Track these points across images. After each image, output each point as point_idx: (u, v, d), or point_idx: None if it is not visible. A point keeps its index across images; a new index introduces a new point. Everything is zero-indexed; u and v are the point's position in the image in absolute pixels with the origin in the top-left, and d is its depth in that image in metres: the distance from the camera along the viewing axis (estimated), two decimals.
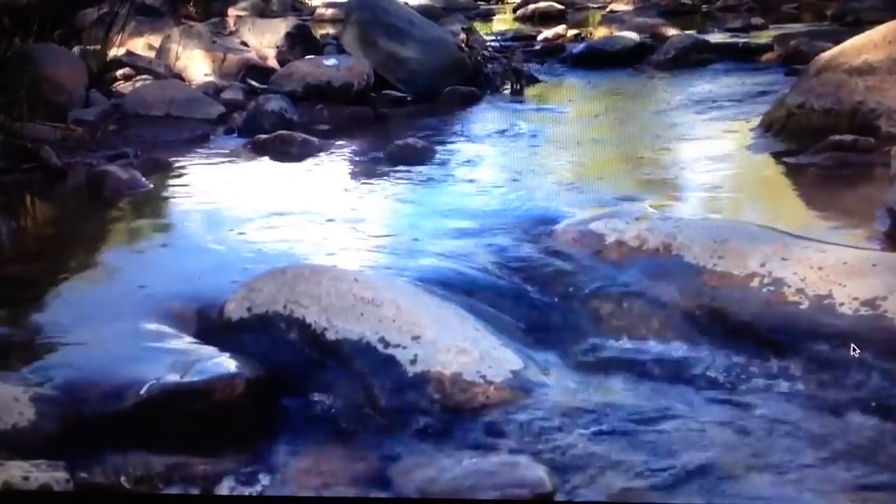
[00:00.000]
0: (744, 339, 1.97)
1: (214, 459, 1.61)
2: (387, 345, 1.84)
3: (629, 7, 9.09)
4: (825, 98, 3.65)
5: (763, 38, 6.58)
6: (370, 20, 5.30)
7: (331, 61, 5.02)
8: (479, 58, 5.58)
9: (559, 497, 1.50)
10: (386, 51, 5.17)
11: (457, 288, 2.18)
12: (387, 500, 1.54)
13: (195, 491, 1.53)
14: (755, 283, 2.08)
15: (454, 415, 1.74)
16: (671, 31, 6.79)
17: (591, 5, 9.93)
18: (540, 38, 7.19)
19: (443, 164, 3.69)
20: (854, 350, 1.84)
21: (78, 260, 2.62)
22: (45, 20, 4.58)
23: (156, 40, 5.68)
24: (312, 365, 1.85)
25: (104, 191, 3.29)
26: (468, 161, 3.72)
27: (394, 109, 4.88)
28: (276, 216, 2.91)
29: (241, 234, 2.74)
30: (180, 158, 3.84)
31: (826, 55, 3.84)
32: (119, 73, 5.05)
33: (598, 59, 6.15)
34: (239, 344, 1.91)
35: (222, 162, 3.83)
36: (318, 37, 6.36)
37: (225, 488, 1.53)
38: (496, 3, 11.01)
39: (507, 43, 6.65)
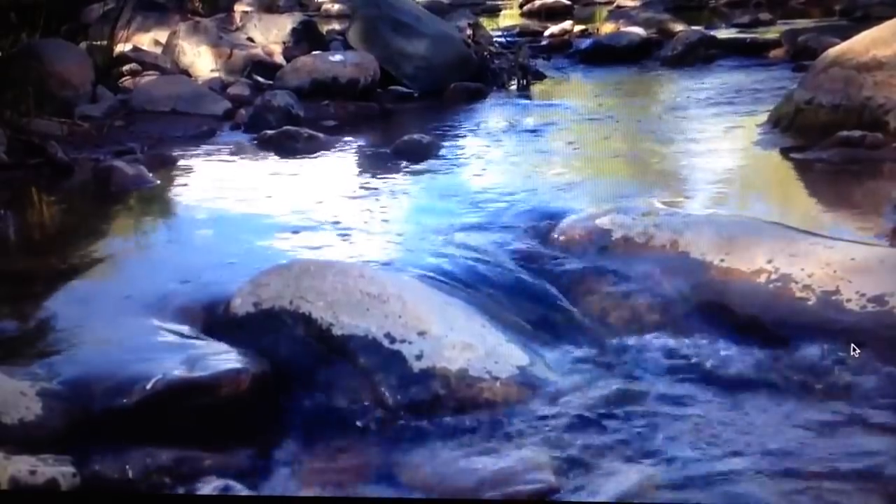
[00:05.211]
0: (750, 334, 1.97)
1: (220, 454, 1.61)
2: (392, 340, 1.83)
3: (636, 3, 9.05)
4: (833, 94, 3.63)
5: (771, 33, 6.55)
6: (376, 16, 5.30)
7: (337, 57, 5.02)
8: (485, 53, 5.57)
9: (564, 495, 1.50)
10: (392, 46, 5.17)
11: (462, 283, 2.18)
12: (387, 500, 1.53)
13: (199, 486, 1.53)
14: (762, 279, 2.07)
15: (460, 411, 1.74)
16: (678, 27, 6.77)
17: (597, 1, 9.89)
18: (546, 33, 7.18)
19: (448, 159, 3.68)
20: (854, 349, 1.84)
21: (84, 255, 2.62)
22: (51, 16, 4.59)
23: (162, 36, 5.70)
24: (318, 360, 1.85)
25: (110, 186, 3.30)
26: (474, 156, 3.71)
27: (400, 105, 4.88)
28: (282, 212, 2.91)
29: (246, 229, 2.74)
30: (186, 154, 3.84)
31: (834, 51, 3.83)
32: (125, 68, 5.06)
33: (604, 55, 6.14)
34: (245, 339, 1.91)
35: (228, 158, 3.83)
36: (325, 33, 6.36)
37: (229, 483, 1.53)
38: None
39: (514, 39, 6.64)
